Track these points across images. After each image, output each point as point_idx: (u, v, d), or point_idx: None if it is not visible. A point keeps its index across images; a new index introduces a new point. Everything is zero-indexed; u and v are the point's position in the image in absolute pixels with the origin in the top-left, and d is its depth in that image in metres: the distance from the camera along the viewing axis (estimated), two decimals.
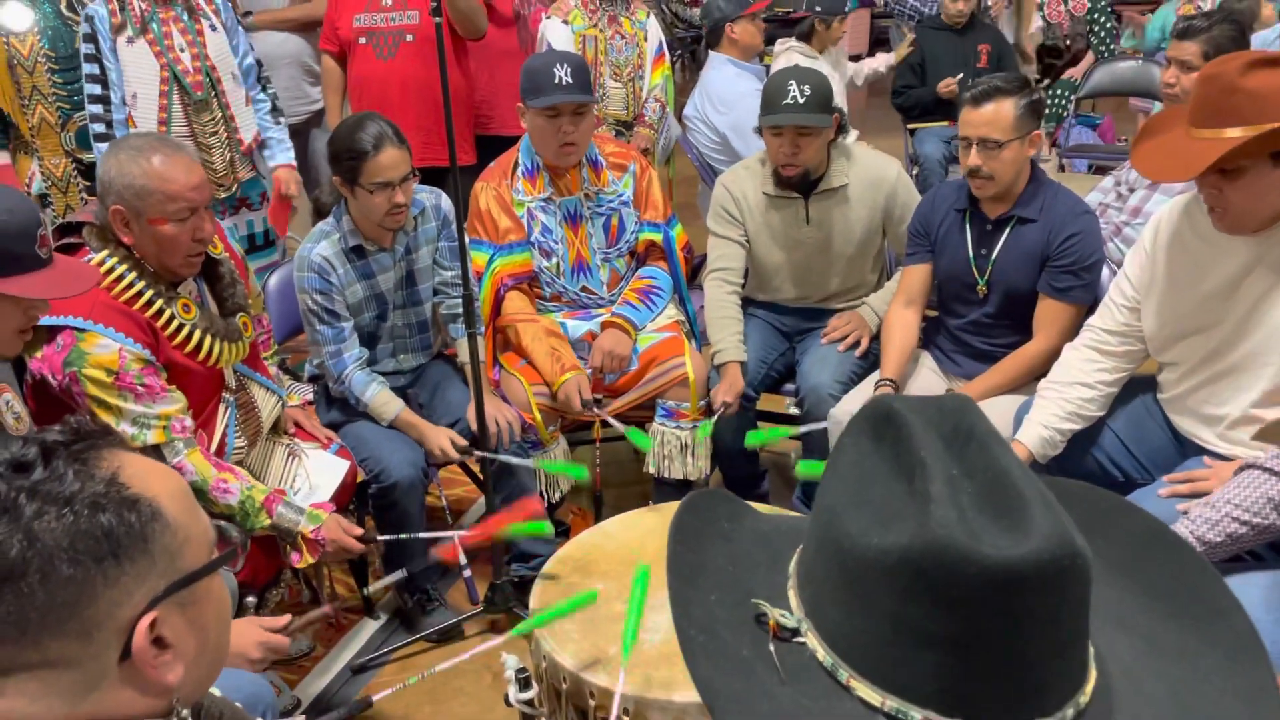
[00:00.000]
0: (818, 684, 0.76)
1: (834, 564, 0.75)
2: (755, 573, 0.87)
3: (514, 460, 2.56)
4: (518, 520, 1.93)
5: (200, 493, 2.09)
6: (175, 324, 2.09)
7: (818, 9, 4.82)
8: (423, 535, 2.51)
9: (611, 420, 2.67)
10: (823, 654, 0.76)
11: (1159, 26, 5.34)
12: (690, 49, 9.29)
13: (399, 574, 2.36)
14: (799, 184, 2.80)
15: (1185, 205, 2.15)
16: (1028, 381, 2.49)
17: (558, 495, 2.80)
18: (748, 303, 2.96)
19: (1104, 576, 0.72)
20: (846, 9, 4.82)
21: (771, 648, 0.79)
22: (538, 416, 2.70)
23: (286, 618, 1.80)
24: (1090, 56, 5.49)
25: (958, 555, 0.68)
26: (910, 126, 5.17)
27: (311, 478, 2.41)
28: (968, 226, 2.58)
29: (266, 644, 1.70)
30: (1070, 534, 0.70)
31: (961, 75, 4.79)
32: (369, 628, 2.70)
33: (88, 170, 3.24)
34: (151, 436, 2.04)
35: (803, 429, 2.67)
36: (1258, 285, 2.00)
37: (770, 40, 4.96)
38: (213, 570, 0.91)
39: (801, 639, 0.79)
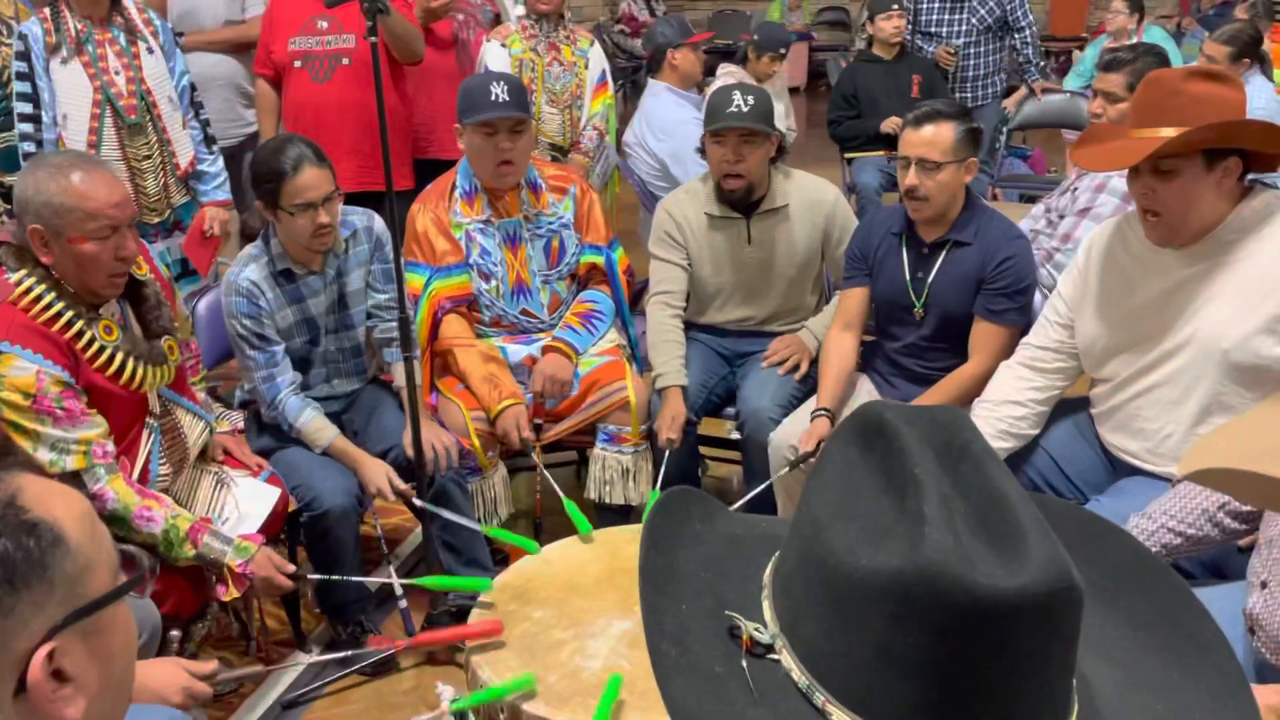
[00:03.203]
0: (792, 706, 0.72)
1: (816, 580, 0.72)
2: (729, 580, 0.83)
3: (458, 519, 2.50)
4: (471, 636, 1.84)
5: (122, 521, 2.01)
6: (96, 346, 2.01)
7: (755, 38, 4.90)
8: (357, 579, 2.45)
9: (544, 471, 2.61)
10: (798, 674, 0.73)
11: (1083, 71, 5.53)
12: (631, 78, 9.35)
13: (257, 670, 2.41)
14: (741, 203, 2.81)
15: (1118, 226, 2.21)
16: (964, 404, 2.50)
17: (495, 522, 2.76)
18: (689, 326, 2.95)
19: (1088, 605, 0.70)
20: (782, 51, 4.88)
21: (744, 664, 0.75)
22: (476, 442, 2.66)
23: (214, 664, 1.70)
24: (1023, 90, 5.61)
25: (951, 583, 0.65)
26: (847, 156, 5.24)
27: (240, 506, 2.33)
28: (904, 250, 2.61)
29: (189, 690, 1.61)
30: (1068, 566, 0.67)
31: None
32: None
33: (8, 193, 3.14)
34: (71, 462, 1.96)
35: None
36: (1186, 300, 2.05)
37: (710, 72, 5.01)
38: (117, 598, 0.85)
39: (775, 656, 0.75)
